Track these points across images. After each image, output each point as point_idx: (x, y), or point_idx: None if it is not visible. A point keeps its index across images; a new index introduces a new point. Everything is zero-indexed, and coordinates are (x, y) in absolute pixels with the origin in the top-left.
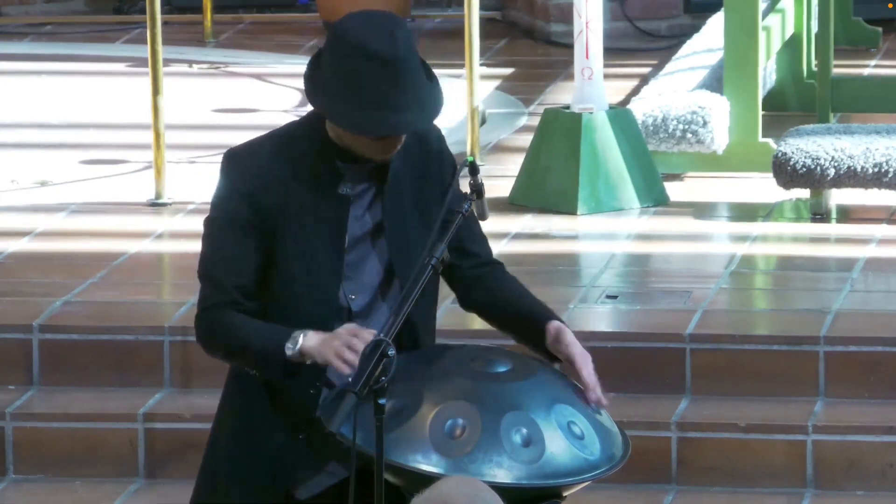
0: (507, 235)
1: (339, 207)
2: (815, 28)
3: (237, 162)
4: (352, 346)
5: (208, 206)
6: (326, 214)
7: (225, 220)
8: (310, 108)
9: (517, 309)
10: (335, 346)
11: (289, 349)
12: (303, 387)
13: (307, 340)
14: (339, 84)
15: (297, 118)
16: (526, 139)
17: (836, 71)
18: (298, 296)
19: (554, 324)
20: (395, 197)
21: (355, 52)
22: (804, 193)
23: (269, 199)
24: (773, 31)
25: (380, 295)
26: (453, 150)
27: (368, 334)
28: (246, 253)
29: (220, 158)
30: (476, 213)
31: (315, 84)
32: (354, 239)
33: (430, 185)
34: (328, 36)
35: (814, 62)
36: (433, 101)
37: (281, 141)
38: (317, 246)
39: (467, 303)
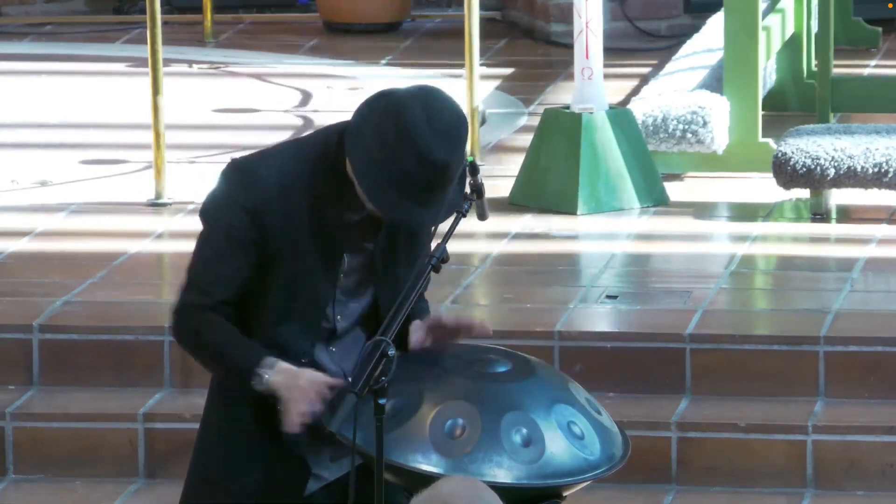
0: (507, 235)
1: (341, 233)
2: (815, 28)
3: (244, 175)
4: (319, 395)
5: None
6: (328, 239)
7: (222, 232)
8: (309, 109)
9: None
10: (298, 404)
11: (256, 384)
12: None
13: (275, 378)
14: (383, 163)
15: (316, 131)
16: (526, 139)
17: (836, 71)
18: (287, 310)
19: (417, 322)
20: (390, 231)
21: (411, 147)
22: (804, 193)
23: (272, 216)
24: (773, 31)
25: (362, 322)
26: None
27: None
28: (236, 269)
29: (220, 158)
30: (476, 213)
31: (360, 142)
32: (352, 265)
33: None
34: (391, 103)
35: (814, 62)
36: (451, 200)
37: (293, 157)
38: (313, 267)
39: None
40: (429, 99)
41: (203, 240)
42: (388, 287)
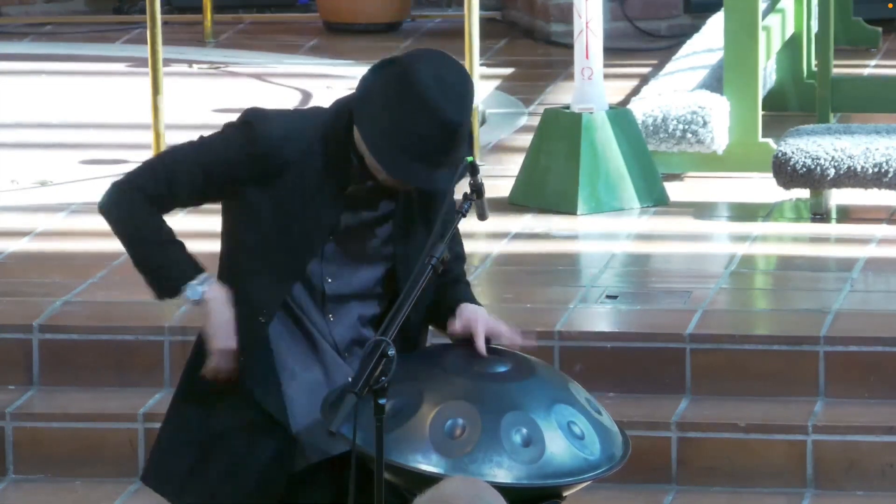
0: (507, 235)
1: (336, 202)
2: (815, 28)
3: (254, 125)
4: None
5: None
6: (324, 200)
7: (207, 155)
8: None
9: (443, 296)
10: (220, 353)
11: (188, 293)
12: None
13: (210, 294)
14: (395, 128)
15: (335, 103)
16: (526, 139)
17: (836, 71)
18: (266, 259)
19: (467, 306)
20: (407, 202)
21: (424, 110)
22: (804, 193)
23: (269, 167)
24: (773, 31)
25: (368, 294)
26: None
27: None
28: (193, 187)
29: None
30: (476, 213)
31: (369, 111)
32: (351, 229)
33: (436, 206)
34: (398, 69)
35: (814, 62)
36: (462, 161)
37: (305, 122)
38: (302, 222)
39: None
40: (435, 61)
41: (192, 145)
42: (405, 257)
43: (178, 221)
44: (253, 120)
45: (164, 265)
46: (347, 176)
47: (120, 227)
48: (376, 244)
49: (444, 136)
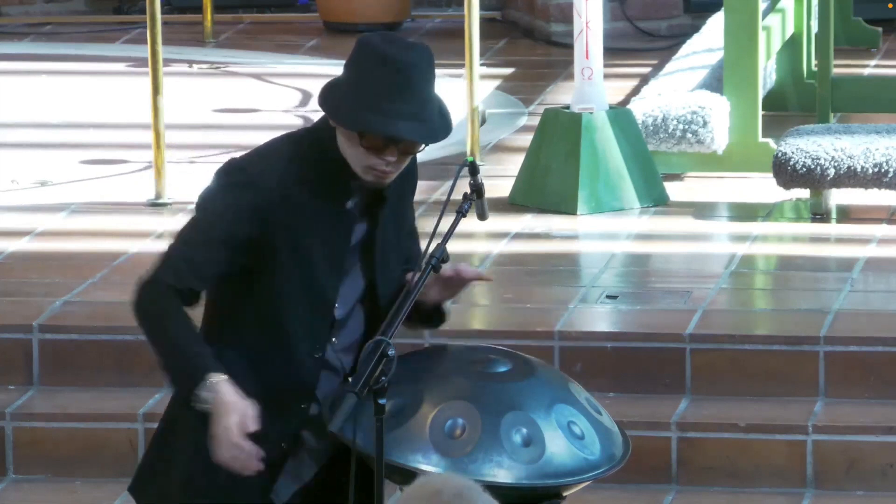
0: (507, 235)
1: (344, 223)
2: (815, 28)
3: (247, 175)
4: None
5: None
6: (331, 228)
7: (218, 225)
8: (309, 109)
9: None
10: (229, 453)
11: (200, 402)
12: (292, 402)
13: (209, 406)
14: (349, 85)
15: (307, 126)
16: (526, 139)
17: (836, 71)
18: (299, 305)
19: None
20: (384, 214)
21: (370, 55)
22: (804, 193)
23: (276, 213)
24: (773, 31)
25: (358, 307)
26: (453, 150)
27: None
28: (217, 262)
29: (220, 158)
30: (476, 213)
31: (328, 89)
32: (349, 250)
33: (406, 201)
34: (351, 52)
35: (814, 62)
36: (436, 123)
37: (290, 152)
38: (317, 258)
39: None
40: (385, 32)
41: (193, 225)
42: (382, 268)
43: (179, 222)
44: (233, 173)
45: (176, 369)
46: (340, 191)
47: (145, 330)
48: (362, 257)
49: (389, 74)
